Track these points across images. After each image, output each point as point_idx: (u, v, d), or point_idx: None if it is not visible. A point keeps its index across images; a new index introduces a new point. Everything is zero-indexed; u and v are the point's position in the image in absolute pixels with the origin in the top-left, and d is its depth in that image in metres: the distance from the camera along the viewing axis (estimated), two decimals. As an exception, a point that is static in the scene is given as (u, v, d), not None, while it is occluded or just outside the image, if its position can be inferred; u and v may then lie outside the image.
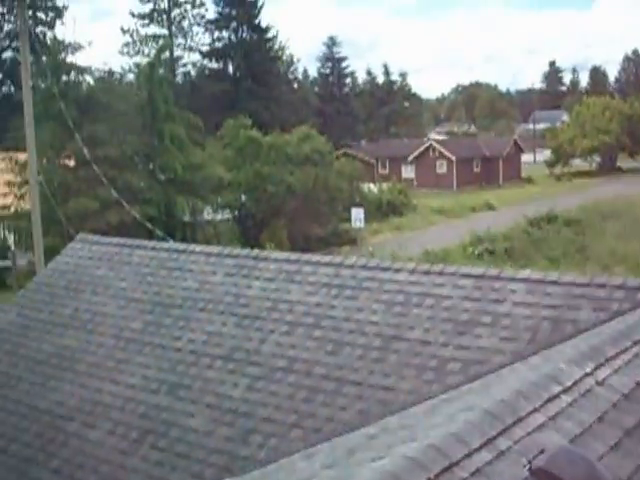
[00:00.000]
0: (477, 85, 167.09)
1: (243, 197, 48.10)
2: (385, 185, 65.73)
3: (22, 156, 36.93)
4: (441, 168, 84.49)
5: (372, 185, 64.24)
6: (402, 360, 9.05)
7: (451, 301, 9.52)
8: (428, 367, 8.81)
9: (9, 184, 41.36)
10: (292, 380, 9.47)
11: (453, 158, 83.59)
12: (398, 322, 9.55)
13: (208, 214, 45.47)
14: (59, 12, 70.18)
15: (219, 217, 46.61)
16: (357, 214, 48.52)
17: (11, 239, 43.95)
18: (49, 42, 57.85)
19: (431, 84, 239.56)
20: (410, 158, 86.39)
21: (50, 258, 22.40)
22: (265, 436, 8.97)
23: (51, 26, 69.36)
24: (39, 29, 65.25)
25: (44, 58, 40.07)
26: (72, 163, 41.17)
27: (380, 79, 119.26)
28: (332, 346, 9.65)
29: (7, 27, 69.75)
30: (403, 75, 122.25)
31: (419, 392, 8.47)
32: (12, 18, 68.42)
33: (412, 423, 6.51)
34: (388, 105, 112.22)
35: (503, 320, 9.00)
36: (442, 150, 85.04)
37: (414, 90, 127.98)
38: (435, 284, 9.86)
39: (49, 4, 69.94)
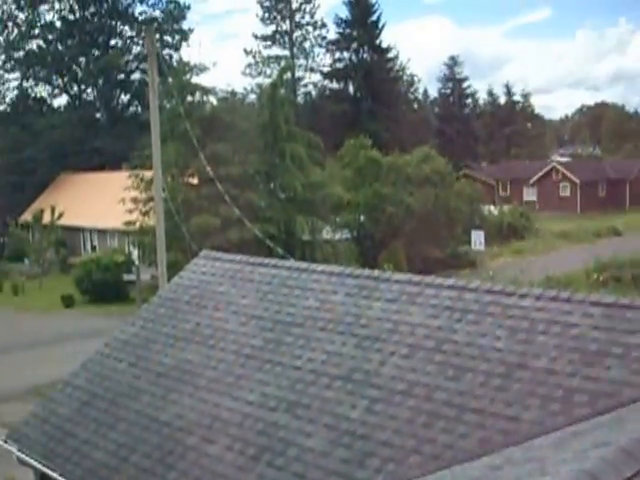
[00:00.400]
0: (603, 106, 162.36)
1: (362, 217, 48.15)
2: (506, 207, 64.63)
3: (148, 174, 38.13)
4: (564, 191, 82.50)
5: (492, 207, 63.30)
6: (526, 389, 8.75)
7: (579, 329, 9.16)
8: (553, 397, 8.48)
9: (135, 201, 42.75)
10: (412, 404, 9.29)
11: (577, 181, 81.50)
12: (523, 349, 9.25)
13: (327, 233, 45.67)
14: (185, 35, 72.34)
15: (338, 236, 46.75)
16: (477, 237, 47.80)
17: (135, 254, 45.36)
18: (175, 64, 59.73)
19: (555, 105, 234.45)
20: (532, 180, 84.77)
21: (172, 273, 22.90)
22: (383, 460, 8.82)
23: (177, 48, 71.59)
24: (166, 51, 67.32)
25: (170, 79, 41.25)
26: (195, 181, 42.18)
27: (502, 99, 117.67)
28: (453, 371, 9.43)
29: (135, 50, 72.30)
30: (526, 95, 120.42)
31: (544, 423, 8.16)
32: (140, 41, 70.89)
33: (539, 456, 6.26)
34: (510, 126, 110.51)
35: (635, 352, 8.58)
36: (566, 172, 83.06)
37: (537, 111, 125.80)
38: (562, 311, 9.52)
39: (176, 27, 72.12)
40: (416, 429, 8.95)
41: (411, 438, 8.88)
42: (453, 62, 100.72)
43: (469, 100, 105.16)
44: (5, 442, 13.09)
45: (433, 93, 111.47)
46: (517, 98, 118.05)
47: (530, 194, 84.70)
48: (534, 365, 8.98)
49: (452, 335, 9.94)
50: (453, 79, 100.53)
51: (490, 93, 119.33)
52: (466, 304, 10.30)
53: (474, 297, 10.36)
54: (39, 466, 12.16)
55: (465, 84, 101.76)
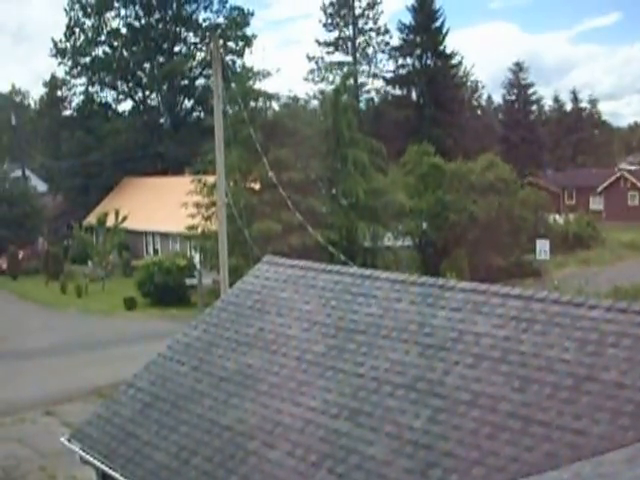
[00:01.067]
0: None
1: (424, 224, 47.82)
2: (571, 216, 63.59)
3: (210, 179, 38.46)
4: (633, 200, 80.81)
5: (557, 216, 62.35)
6: (595, 402, 8.53)
7: (651, 342, 8.90)
8: (624, 412, 8.24)
9: (197, 205, 43.15)
10: (476, 415, 9.13)
11: (646, 190, 79.81)
12: (592, 362, 9.02)
13: (388, 240, 45.47)
14: (248, 41, 72.79)
15: (399, 244, 46.50)
16: (542, 246, 47.03)
17: (197, 258, 45.75)
18: (239, 70, 60.17)
19: (623, 111, 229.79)
20: (599, 189, 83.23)
21: (234, 277, 23.06)
22: (446, 471, 8.67)
23: (241, 54, 72.02)
24: (229, 57, 67.82)
25: (234, 85, 41.54)
26: (257, 186, 42.38)
27: (568, 106, 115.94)
28: (519, 382, 9.24)
29: (199, 56, 73.02)
30: (593, 102, 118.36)
31: (613, 438, 7.95)
32: (204, 47, 71.61)
33: (611, 472, 6.07)
34: (576, 133, 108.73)
35: None
36: (634, 181, 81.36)
37: (604, 117, 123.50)
38: (633, 324, 9.27)
39: (239, 34, 72.64)
40: (480, 440, 8.79)
41: (475, 449, 8.72)
42: (518, 68, 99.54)
43: (534, 107, 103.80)
44: (69, 441, 13.27)
45: (497, 99, 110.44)
46: (584, 104, 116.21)
47: (597, 203, 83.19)
48: (603, 378, 8.75)
49: (518, 346, 9.75)
50: (518, 85, 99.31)
51: (556, 99, 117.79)
52: (533, 314, 10.10)
53: (541, 307, 10.16)
54: (101, 466, 12.31)
55: (530, 90, 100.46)
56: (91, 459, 12.53)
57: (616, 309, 9.61)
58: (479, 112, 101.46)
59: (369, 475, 9.17)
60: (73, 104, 73.39)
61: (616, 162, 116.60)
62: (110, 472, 11.99)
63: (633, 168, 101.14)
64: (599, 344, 9.21)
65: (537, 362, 9.38)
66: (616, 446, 7.53)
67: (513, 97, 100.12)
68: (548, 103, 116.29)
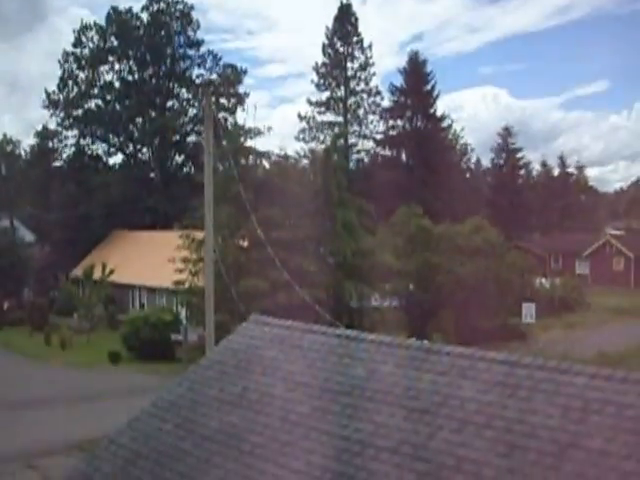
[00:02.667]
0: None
1: (411, 285, 47.91)
2: (557, 280, 63.88)
3: (199, 234, 38.53)
4: (618, 265, 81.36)
5: (544, 279, 62.61)
6: (578, 470, 8.50)
7: (635, 411, 8.91)
8: (608, 480, 8.22)
9: (185, 260, 43.15)
10: (460, 480, 9.08)
11: (631, 255, 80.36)
12: (576, 429, 9.02)
13: (375, 300, 45.48)
14: (241, 98, 73.58)
15: (386, 304, 46.51)
16: (528, 309, 47.18)
17: (183, 313, 45.61)
18: (230, 127, 60.71)
19: (609, 177, 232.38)
20: (585, 254, 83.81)
21: (219, 334, 22.93)
22: (429, 538, 8.60)
23: (232, 112, 72.66)
24: (221, 114, 68.45)
25: (225, 142, 41.86)
26: (246, 244, 42.46)
27: (555, 171, 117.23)
28: (504, 448, 9.21)
29: (191, 112, 73.65)
30: (580, 167, 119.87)
31: (597, 506, 7.92)
32: (196, 103, 72.29)
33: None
34: (563, 198, 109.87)
35: (694, 437, 8.33)
36: (619, 246, 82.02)
37: (591, 183, 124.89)
38: (618, 391, 9.28)
39: (232, 91, 73.40)
40: (464, 507, 8.73)
41: (459, 516, 8.65)
42: (507, 132, 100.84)
43: (522, 171, 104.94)
44: (48, 498, 13.09)
45: (486, 163, 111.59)
46: (571, 170, 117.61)
47: (582, 267, 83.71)
48: (587, 445, 8.74)
49: (503, 411, 9.74)
50: (506, 149, 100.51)
51: (544, 164, 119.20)
52: (518, 380, 10.11)
53: (526, 373, 10.17)
54: (80, 524, 12.10)
55: (518, 155, 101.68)
56: (70, 517, 12.34)
57: (600, 376, 9.64)
58: (468, 175, 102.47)
59: (351, 540, 9.07)
60: (64, 155, 73.85)
61: (602, 227, 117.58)
62: (89, 531, 11.81)
63: (619, 233, 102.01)
64: (583, 411, 9.21)
65: (521, 428, 9.36)
66: (600, 515, 7.50)
67: (501, 161, 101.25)
68: (536, 168, 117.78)
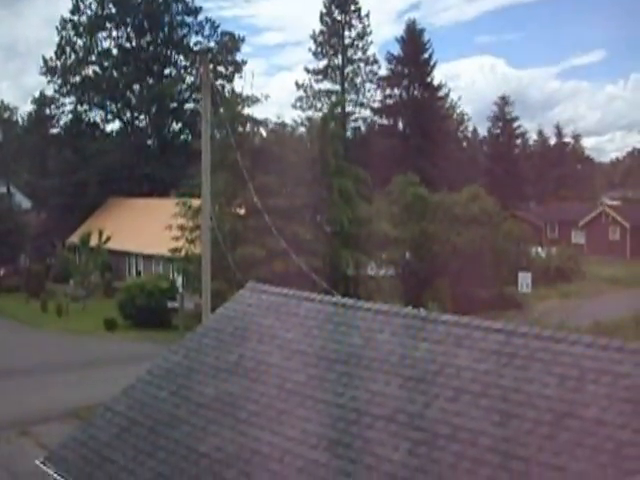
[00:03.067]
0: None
1: (407, 254, 47.90)
2: (553, 250, 63.91)
3: (195, 202, 38.40)
4: (614, 235, 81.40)
5: (540, 249, 62.64)
6: (575, 439, 8.53)
7: (631, 380, 8.93)
8: (603, 449, 8.24)
9: (182, 228, 43.05)
10: (455, 449, 9.10)
11: (627, 225, 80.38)
12: (572, 398, 9.04)
13: (371, 269, 45.48)
14: (238, 66, 73.13)
15: (382, 273, 46.52)
16: (524, 279, 47.20)
17: (179, 281, 45.58)
18: (228, 95, 60.36)
19: (606, 147, 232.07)
20: (581, 223, 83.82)
21: (216, 302, 22.94)
22: (424, 505, 8.63)
23: (230, 79, 72.30)
24: (219, 82, 68.12)
25: (222, 110, 41.57)
26: (242, 211, 42.35)
27: (552, 140, 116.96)
28: (499, 417, 9.23)
29: (189, 79, 73.24)
30: (576, 137, 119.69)
31: (592, 475, 7.95)
32: (194, 71, 71.86)
33: (589, 511, 6.05)
34: (559, 167, 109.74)
35: (689, 406, 8.34)
36: (615, 216, 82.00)
37: (587, 153, 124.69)
38: (614, 361, 9.29)
39: (229, 59, 72.97)
40: (459, 475, 8.76)
41: (454, 484, 8.68)
42: (504, 102, 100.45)
43: (519, 140, 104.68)
44: (43, 464, 13.10)
45: (483, 132, 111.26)
46: (567, 139, 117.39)
47: (578, 237, 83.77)
48: (583, 415, 8.76)
49: (499, 380, 9.75)
50: (503, 119, 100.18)
51: (540, 134, 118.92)
52: (514, 349, 10.11)
53: (523, 342, 10.18)
54: (76, 490, 12.14)
55: (515, 124, 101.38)
56: (66, 483, 12.37)
57: (596, 345, 9.64)
58: (464, 144, 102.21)
59: (347, 507, 9.11)
60: (61, 122, 73.39)
61: (598, 197, 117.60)
62: (85, 497, 11.85)
63: (615, 203, 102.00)
64: (579, 380, 9.22)
65: (517, 397, 9.38)
66: (595, 484, 7.53)
67: (498, 130, 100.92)
68: (532, 137, 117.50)
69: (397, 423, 9.85)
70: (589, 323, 37.29)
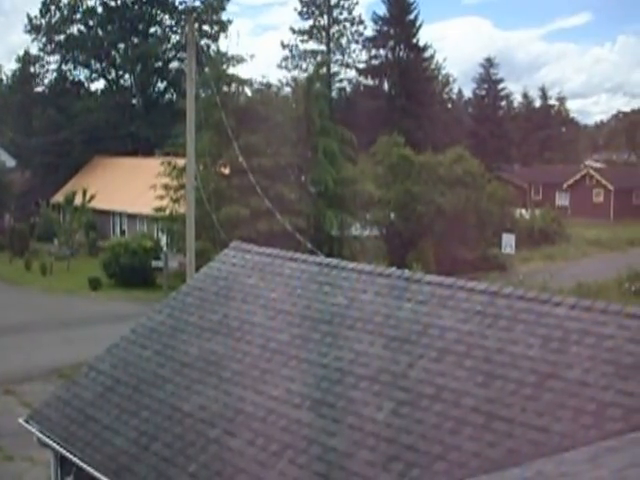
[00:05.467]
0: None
1: (392, 215, 47.92)
2: (538, 212, 64.08)
3: (180, 161, 38.16)
4: (598, 197, 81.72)
5: (524, 211, 62.81)
6: (558, 400, 8.56)
7: (614, 342, 8.96)
8: (586, 410, 8.28)
9: (166, 187, 42.84)
10: (439, 409, 9.13)
11: (611, 187, 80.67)
12: (555, 359, 9.06)
13: (356, 230, 45.50)
14: (224, 26, 72.41)
15: (366, 233, 46.55)
16: (508, 240, 47.36)
17: (164, 240, 45.45)
18: (213, 54, 59.77)
19: (591, 110, 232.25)
20: (565, 185, 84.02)
21: (200, 261, 22.94)
22: (407, 465, 8.67)
23: (215, 39, 71.70)
24: (204, 41, 67.58)
25: (207, 69, 41.18)
26: (227, 171, 42.16)
27: (537, 102, 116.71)
28: (483, 378, 9.25)
29: (174, 38, 72.54)
30: (561, 99, 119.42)
31: (575, 436, 7.99)
32: (179, 30, 71.13)
33: (573, 471, 6.09)
34: (544, 129, 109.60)
35: (671, 367, 8.38)
36: (599, 178, 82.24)
37: (572, 115, 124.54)
38: (597, 322, 9.32)
39: (215, 18, 72.23)
40: (443, 435, 8.79)
41: (437, 444, 8.72)
42: (489, 63, 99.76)
43: (504, 102, 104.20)
44: (27, 422, 13.10)
45: (468, 94, 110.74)
46: (552, 102, 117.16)
47: (563, 199, 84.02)
48: (566, 376, 8.79)
49: (483, 341, 9.77)
50: (488, 80, 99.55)
51: (525, 96, 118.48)
52: (498, 310, 10.12)
53: (506, 303, 10.18)
54: (59, 448, 12.15)
55: (500, 86, 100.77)
56: (49, 441, 12.37)
57: (580, 307, 9.66)
58: (449, 105, 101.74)
59: (330, 467, 9.14)
60: (46, 81, 72.73)
61: (582, 159, 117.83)
62: (68, 455, 11.85)
63: (599, 166, 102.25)
64: (563, 341, 9.25)
65: (501, 358, 9.40)
66: (578, 444, 7.57)
67: (483, 92, 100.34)
68: (517, 99, 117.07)
69: (381, 383, 9.87)
70: (572, 285, 37.49)
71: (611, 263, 45.84)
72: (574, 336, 9.25)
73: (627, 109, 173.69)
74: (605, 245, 59.21)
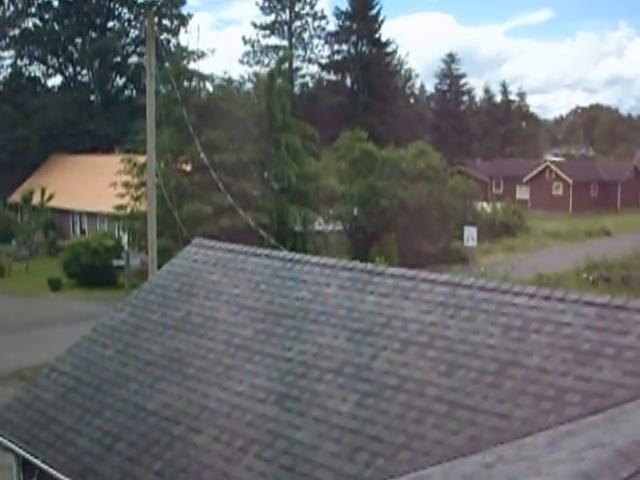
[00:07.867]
0: (598, 108, 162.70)
1: (355, 210, 48.08)
2: (499, 205, 64.73)
3: (141, 158, 37.91)
4: (557, 190, 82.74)
5: (485, 204, 63.38)
6: (518, 387, 8.69)
7: (572, 329, 9.10)
8: (545, 396, 8.41)
9: (127, 185, 42.51)
10: (403, 399, 9.21)
11: (570, 181, 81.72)
12: (515, 347, 9.19)
13: (319, 225, 45.58)
14: (184, 20, 71.91)
15: (330, 228, 46.67)
16: (470, 233, 47.78)
17: (125, 239, 45.12)
18: (173, 49, 59.40)
19: (550, 105, 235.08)
20: (525, 179, 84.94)
21: (162, 259, 22.77)
22: (372, 455, 8.73)
23: (175, 33, 71.18)
24: (164, 36, 66.99)
25: (167, 64, 40.94)
26: (189, 168, 41.97)
27: (498, 98, 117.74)
28: (445, 367, 9.35)
29: (133, 33, 71.91)
30: (521, 95, 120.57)
31: (535, 422, 8.11)
32: (138, 24, 70.49)
33: (532, 455, 6.18)
34: (505, 124, 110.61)
35: (627, 353, 8.54)
36: (559, 172, 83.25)
37: (532, 110, 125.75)
38: (556, 310, 9.46)
39: (175, 12, 71.73)
40: (406, 425, 8.87)
41: (401, 433, 8.80)
42: (451, 59, 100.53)
43: (465, 97, 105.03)
44: (-13, 426, 12.93)
45: (430, 89, 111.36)
46: (513, 97, 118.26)
47: (523, 192, 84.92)
48: (526, 363, 8.92)
49: (445, 331, 9.86)
50: (450, 75, 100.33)
51: (487, 91, 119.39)
52: (460, 300, 10.22)
53: (468, 294, 10.29)
54: (21, 452, 11.99)
55: (462, 81, 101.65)
56: (11, 445, 12.20)
57: (539, 296, 9.79)
58: (412, 100, 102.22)
59: (296, 460, 9.17)
60: (0, 77, 71.58)
61: (542, 153, 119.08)
62: (31, 459, 11.70)
63: (558, 159, 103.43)
64: (523, 330, 9.37)
65: (463, 347, 9.50)
66: (538, 429, 7.68)
67: (445, 87, 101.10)
68: (479, 94, 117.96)
69: (345, 375, 9.92)
70: (533, 275, 37.96)
71: (570, 254, 46.45)
72: (534, 324, 9.38)
73: (586, 104, 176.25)
74: (564, 237, 60.01)
